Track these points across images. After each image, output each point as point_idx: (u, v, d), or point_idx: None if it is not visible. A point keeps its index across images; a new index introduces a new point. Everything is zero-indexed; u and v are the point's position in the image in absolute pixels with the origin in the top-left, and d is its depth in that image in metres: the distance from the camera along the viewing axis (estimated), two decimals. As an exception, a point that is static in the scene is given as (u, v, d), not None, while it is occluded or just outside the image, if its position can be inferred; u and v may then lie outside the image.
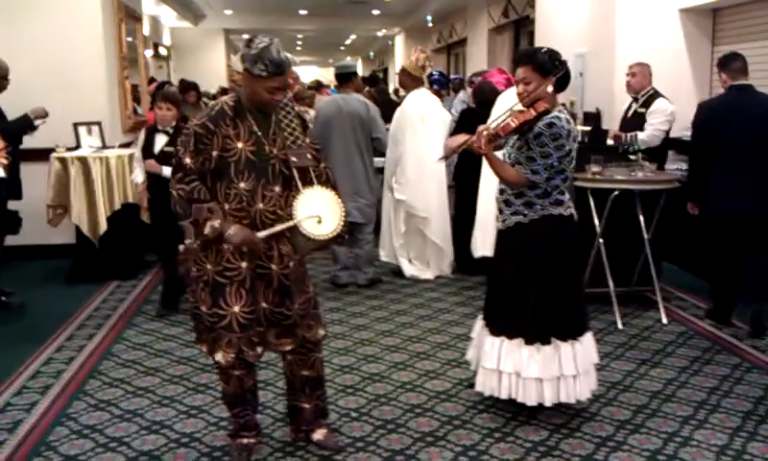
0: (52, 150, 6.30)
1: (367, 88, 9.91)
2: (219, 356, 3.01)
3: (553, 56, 3.38)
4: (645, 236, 5.09)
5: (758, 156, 4.63)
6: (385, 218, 6.33)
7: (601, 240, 5.03)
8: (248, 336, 3.00)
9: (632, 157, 5.43)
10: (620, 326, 4.92)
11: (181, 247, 2.96)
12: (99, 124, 6.71)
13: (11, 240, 5.80)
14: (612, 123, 6.50)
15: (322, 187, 2.97)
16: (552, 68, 3.35)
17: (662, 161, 5.76)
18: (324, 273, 6.26)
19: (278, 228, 2.90)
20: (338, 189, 3.08)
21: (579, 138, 5.49)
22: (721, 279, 4.94)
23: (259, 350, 3.07)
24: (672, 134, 5.86)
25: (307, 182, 2.95)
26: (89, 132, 6.65)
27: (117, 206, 6.18)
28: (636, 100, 5.85)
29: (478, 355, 3.65)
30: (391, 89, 15.98)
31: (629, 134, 5.62)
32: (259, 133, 2.93)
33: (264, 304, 3.02)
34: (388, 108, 7.01)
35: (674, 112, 5.67)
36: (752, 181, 4.63)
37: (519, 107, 3.39)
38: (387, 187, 6.24)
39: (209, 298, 2.97)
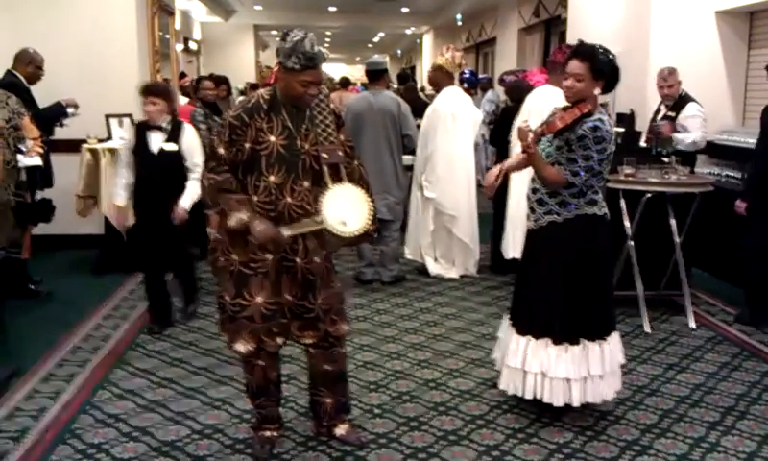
0: (83, 141, 6.37)
1: (395, 86, 9.89)
2: (240, 346, 3.02)
3: (611, 60, 3.33)
4: (676, 240, 5.02)
5: None
6: (412, 216, 6.31)
7: (631, 242, 4.96)
8: (268, 327, 3.01)
9: (665, 159, 5.35)
10: (648, 329, 4.85)
11: (210, 235, 2.99)
12: (130, 116, 6.76)
13: (40, 230, 5.88)
14: (644, 125, 6.41)
15: (351, 185, 2.95)
16: (607, 73, 3.30)
17: (692, 165, 5.68)
18: (348, 269, 6.26)
19: (306, 229, 2.91)
20: (370, 187, 3.08)
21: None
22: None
23: (280, 340, 3.07)
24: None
25: (338, 179, 2.94)
26: (120, 124, 6.71)
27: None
28: (666, 105, 5.77)
29: (503, 354, 3.62)
30: (423, 87, 15.92)
31: (677, 135, 5.50)
32: (292, 128, 2.94)
33: (288, 297, 3.02)
34: (417, 105, 6.98)
35: (705, 115, 5.60)
36: None
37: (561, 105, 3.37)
38: (416, 185, 6.22)
39: (233, 288, 2.98)
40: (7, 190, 4.86)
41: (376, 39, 27.68)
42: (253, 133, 2.90)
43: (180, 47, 12.38)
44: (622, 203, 4.98)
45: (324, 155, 2.95)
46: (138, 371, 4.16)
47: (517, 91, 6.09)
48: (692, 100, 5.63)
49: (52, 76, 5.82)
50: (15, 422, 3.54)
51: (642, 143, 5.73)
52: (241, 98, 11.52)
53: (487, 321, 5.04)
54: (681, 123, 5.55)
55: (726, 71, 7.06)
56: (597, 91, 3.30)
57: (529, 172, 3.55)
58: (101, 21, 6.81)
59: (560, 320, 3.37)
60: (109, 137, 6.60)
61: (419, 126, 6.10)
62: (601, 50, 3.35)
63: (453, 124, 5.97)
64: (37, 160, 5.00)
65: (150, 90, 4.61)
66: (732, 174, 6.33)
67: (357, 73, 27.95)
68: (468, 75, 9.51)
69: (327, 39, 26.75)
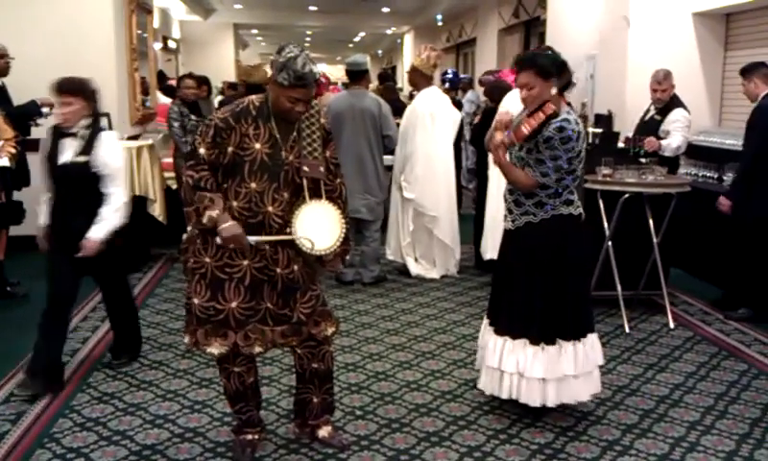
0: (60, 140, 6.28)
1: (376, 85, 9.89)
2: (213, 348, 3.00)
3: (554, 58, 3.40)
4: (654, 240, 5.06)
5: None
6: (392, 216, 6.31)
7: (610, 243, 5.00)
8: (244, 332, 2.99)
9: (642, 160, 5.39)
10: (627, 329, 4.89)
11: (184, 235, 2.98)
12: (107, 115, 6.69)
13: (16, 230, 5.80)
14: (622, 125, 6.47)
15: (329, 203, 2.98)
16: (554, 71, 3.36)
17: (676, 166, 5.73)
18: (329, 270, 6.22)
19: (272, 237, 2.94)
20: (347, 207, 3.14)
21: (590, 139, 5.49)
22: (756, 279, 5.04)
23: (258, 348, 3.04)
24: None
25: (316, 195, 2.97)
26: (98, 123, 6.63)
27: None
28: (655, 107, 5.79)
29: (482, 355, 3.64)
30: (402, 87, 15.92)
31: (660, 141, 5.52)
32: (278, 138, 2.94)
33: (269, 305, 3.01)
34: (395, 106, 6.98)
35: (690, 120, 5.63)
36: None
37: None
38: (395, 185, 6.22)
39: (206, 291, 2.96)
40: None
41: (357, 39, 27.65)
42: (238, 137, 2.89)
43: (158, 46, 12.28)
44: (600, 203, 5.01)
45: (306, 168, 2.96)
46: (118, 374, 4.11)
47: (498, 92, 6.10)
48: (680, 105, 5.62)
49: (27, 74, 5.74)
50: (-8, 426, 3.49)
51: (620, 144, 5.76)
52: (219, 97, 11.49)
53: (467, 322, 5.05)
54: (664, 128, 5.57)
55: (703, 72, 7.14)
56: (554, 90, 3.34)
57: None
58: (77, 18, 6.73)
59: (537, 320, 3.40)
60: (87, 137, 6.52)
61: (398, 125, 6.11)
62: (541, 52, 3.45)
63: (432, 124, 5.98)
64: (5, 162, 4.92)
65: (62, 88, 3.72)
66: (709, 174, 6.41)
67: (338, 73, 27.92)
68: (450, 75, 9.54)
69: (308, 39, 26.68)
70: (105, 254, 3.84)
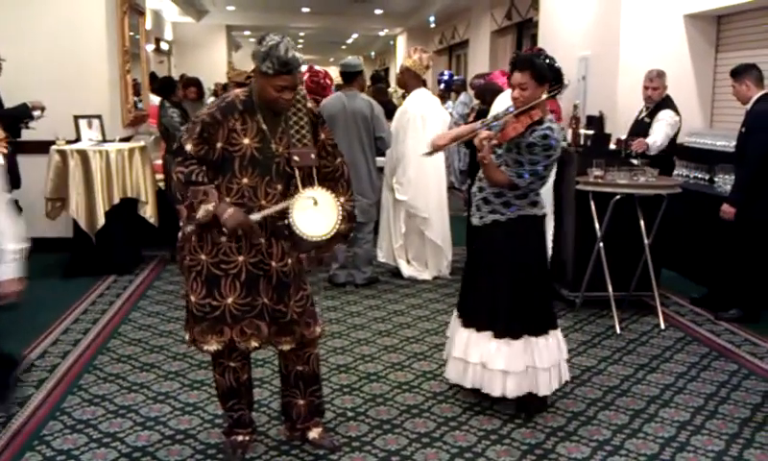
0: (52, 142, 6.26)
1: (369, 85, 9.89)
2: (210, 346, 3.00)
3: (551, 64, 3.47)
4: (645, 241, 5.07)
5: None
6: (384, 218, 6.31)
7: (601, 244, 5.01)
8: (240, 327, 2.99)
9: (634, 161, 5.41)
10: (618, 330, 4.90)
11: (180, 233, 2.96)
12: (99, 117, 6.68)
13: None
14: (614, 127, 6.48)
15: (322, 189, 2.96)
16: (549, 76, 3.45)
17: (670, 168, 5.74)
18: (321, 271, 6.24)
19: (272, 209, 2.90)
20: (351, 186, 3.16)
21: (581, 141, 5.52)
22: (749, 280, 5.07)
23: (254, 343, 3.04)
24: (677, 141, 5.82)
25: (310, 183, 2.95)
26: (90, 125, 6.61)
27: (116, 201, 6.12)
28: (647, 107, 5.81)
29: (450, 346, 3.78)
30: (396, 89, 15.90)
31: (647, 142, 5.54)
32: (267, 130, 2.93)
33: (265, 300, 3.01)
34: (386, 108, 6.98)
35: (678, 121, 5.63)
36: None
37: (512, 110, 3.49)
38: (387, 187, 6.22)
39: (202, 288, 2.96)
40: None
41: (350, 41, 27.65)
42: (225, 132, 2.88)
43: (150, 47, 12.27)
44: (592, 205, 5.03)
45: (296, 157, 2.94)
46: (108, 375, 4.11)
47: (490, 93, 6.12)
48: (670, 107, 5.63)
49: (20, 76, 5.73)
50: (-18, 429, 3.48)
51: (612, 145, 5.77)
52: (212, 99, 11.46)
53: (460, 322, 5.05)
54: (652, 127, 5.59)
55: (694, 74, 7.16)
56: (544, 95, 3.43)
57: None
58: (70, 20, 6.71)
59: (504, 315, 3.52)
60: (78, 139, 6.51)
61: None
62: (539, 56, 3.51)
63: (423, 125, 5.99)
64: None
65: None
66: (700, 175, 6.43)
67: (331, 74, 27.84)
68: (447, 77, 9.54)
69: (301, 40, 26.66)
70: None
